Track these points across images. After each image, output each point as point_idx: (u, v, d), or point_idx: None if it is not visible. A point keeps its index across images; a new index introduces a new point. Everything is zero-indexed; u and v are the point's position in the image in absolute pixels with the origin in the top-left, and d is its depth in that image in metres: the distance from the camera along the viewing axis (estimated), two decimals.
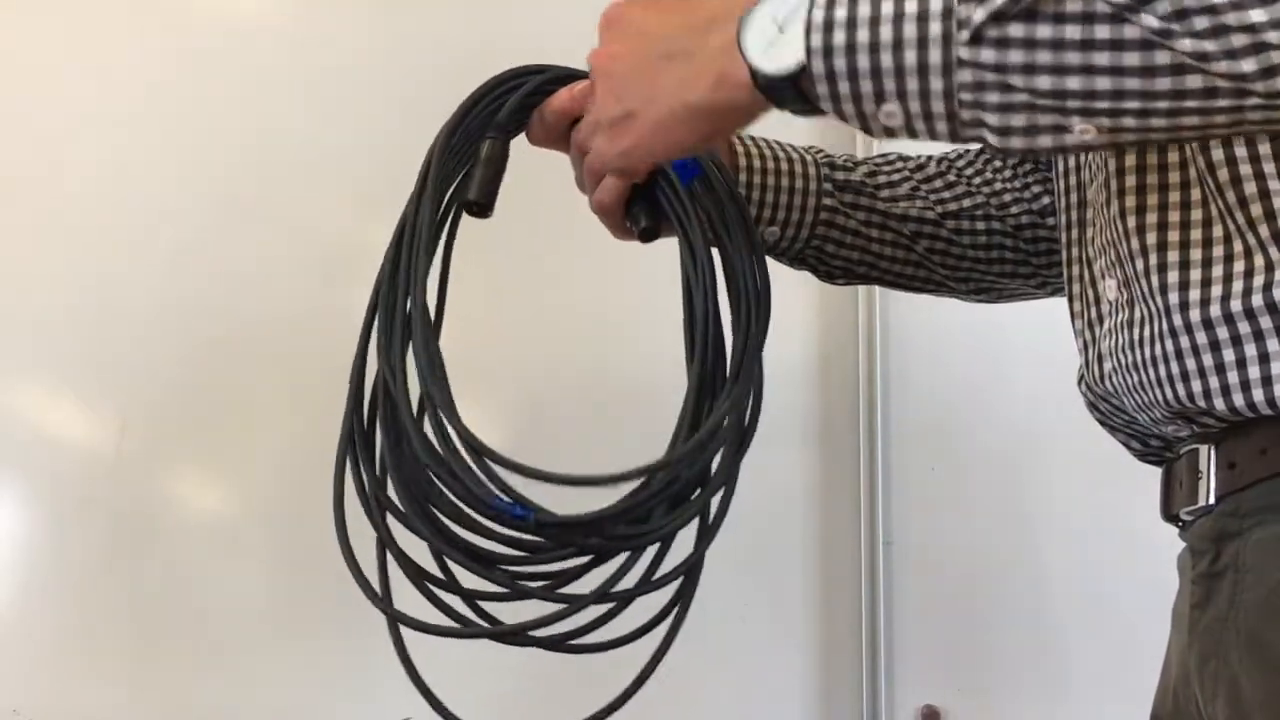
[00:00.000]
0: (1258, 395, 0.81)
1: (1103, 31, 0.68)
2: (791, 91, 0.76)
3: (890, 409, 1.83)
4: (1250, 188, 0.82)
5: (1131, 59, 0.68)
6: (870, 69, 0.72)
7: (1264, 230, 0.81)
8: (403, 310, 0.94)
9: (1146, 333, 0.87)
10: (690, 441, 0.92)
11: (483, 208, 1.01)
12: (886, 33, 0.71)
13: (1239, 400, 0.81)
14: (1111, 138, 0.72)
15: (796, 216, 1.12)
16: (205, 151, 1.71)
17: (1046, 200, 1.15)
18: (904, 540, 1.80)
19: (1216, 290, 0.83)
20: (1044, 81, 0.70)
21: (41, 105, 1.69)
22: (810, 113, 0.77)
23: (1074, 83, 0.69)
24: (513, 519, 0.89)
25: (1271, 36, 0.65)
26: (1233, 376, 0.82)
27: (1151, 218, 0.87)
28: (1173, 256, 0.85)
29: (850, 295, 1.84)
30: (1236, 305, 0.82)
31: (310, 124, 1.75)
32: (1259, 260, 0.81)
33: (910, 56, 0.71)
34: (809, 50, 0.74)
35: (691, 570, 0.96)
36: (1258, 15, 0.65)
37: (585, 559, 0.94)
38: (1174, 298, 0.84)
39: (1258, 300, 0.81)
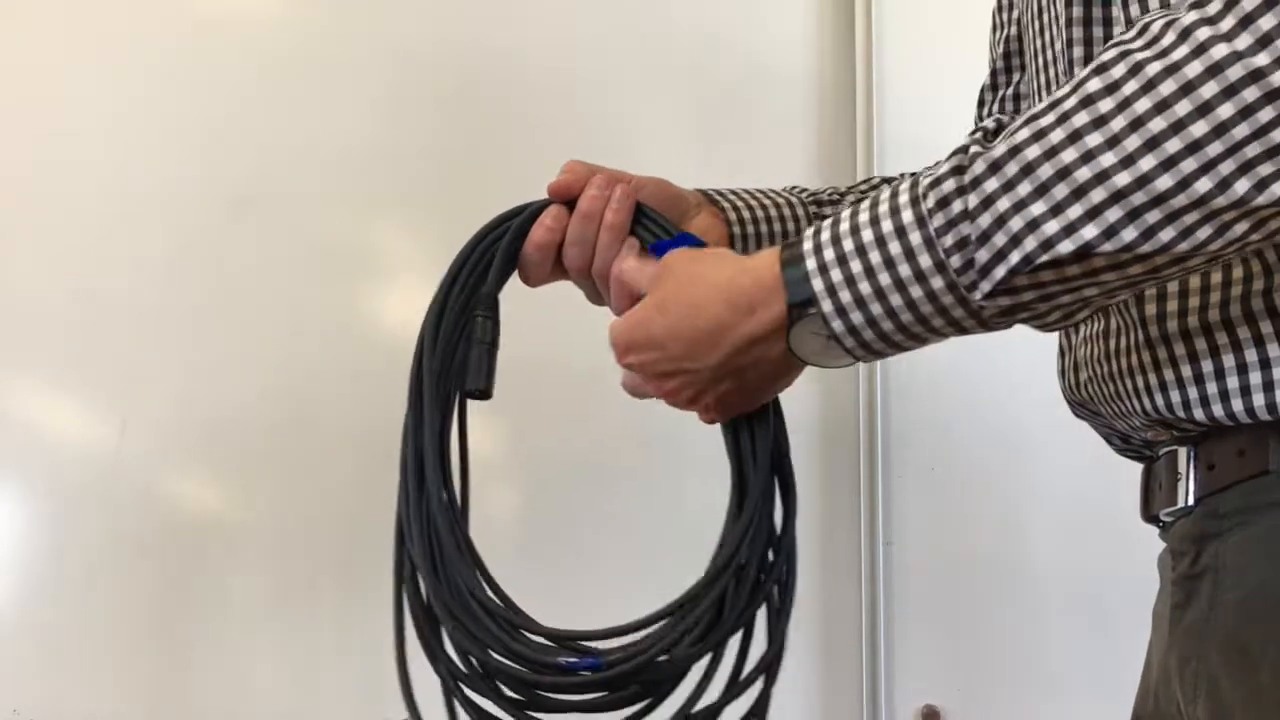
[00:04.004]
0: (1236, 405, 0.80)
1: (1073, 269, 0.73)
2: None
3: (890, 410, 1.83)
4: None
5: (1110, 277, 0.74)
6: (909, 338, 0.81)
7: None
8: (434, 507, 0.95)
9: (1123, 343, 0.87)
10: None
11: (483, 393, 0.99)
12: (908, 317, 0.79)
13: (1218, 410, 0.81)
14: (1135, 292, 0.79)
15: None
16: (205, 150, 1.72)
17: None
18: (904, 540, 1.80)
19: (1194, 301, 0.82)
20: (1065, 299, 0.77)
21: (41, 105, 1.70)
22: None
23: (1070, 300, 0.77)
24: (587, 670, 0.92)
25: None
26: (1211, 387, 0.81)
27: None
28: None
29: None
30: (1214, 315, 0.81)
31: (311, 124, 1.75)
32: (1238, 271, 0.81)
33: (939, 322, 0.79)
34: (852, 351, 0.82)
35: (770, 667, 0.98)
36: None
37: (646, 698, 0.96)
38: (1151, 309, 0.84)
39: (1235, 310, 0.80)
